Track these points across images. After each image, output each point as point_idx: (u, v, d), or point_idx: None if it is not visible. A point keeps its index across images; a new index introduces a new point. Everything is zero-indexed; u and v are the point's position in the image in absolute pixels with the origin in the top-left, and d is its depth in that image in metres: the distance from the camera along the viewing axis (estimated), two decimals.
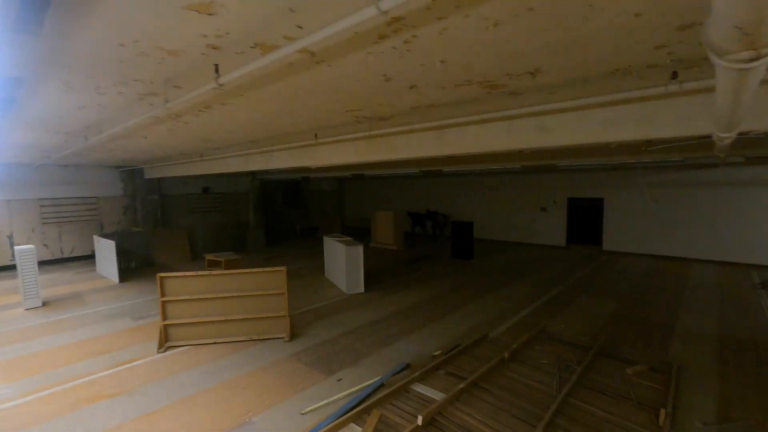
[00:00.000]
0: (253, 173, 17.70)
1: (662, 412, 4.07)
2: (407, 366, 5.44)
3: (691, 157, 7.18)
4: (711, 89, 2.78)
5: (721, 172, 12.04)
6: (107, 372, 5.39)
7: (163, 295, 6.16)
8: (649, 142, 6.42)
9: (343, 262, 9.30)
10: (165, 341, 6.23)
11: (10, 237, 12.27)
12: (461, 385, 4.54)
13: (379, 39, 2.38)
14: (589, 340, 6.20)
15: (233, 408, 4.44)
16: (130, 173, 14.60)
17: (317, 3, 1.89)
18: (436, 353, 5.81)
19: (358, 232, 21.05)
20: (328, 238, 10.75)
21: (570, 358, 5.49)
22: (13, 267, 11.91)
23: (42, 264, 12.50)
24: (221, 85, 2.53)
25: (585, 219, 15.70)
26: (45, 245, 12.90)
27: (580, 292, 9.08)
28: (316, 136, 6.29)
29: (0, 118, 4.74)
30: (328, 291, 9.48)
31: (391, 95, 3.88)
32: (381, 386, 4.86)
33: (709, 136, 3.71)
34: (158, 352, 6.02)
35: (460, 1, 1.90)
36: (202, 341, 6.31)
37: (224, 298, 6.37)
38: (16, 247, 8.28)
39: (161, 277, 6.14)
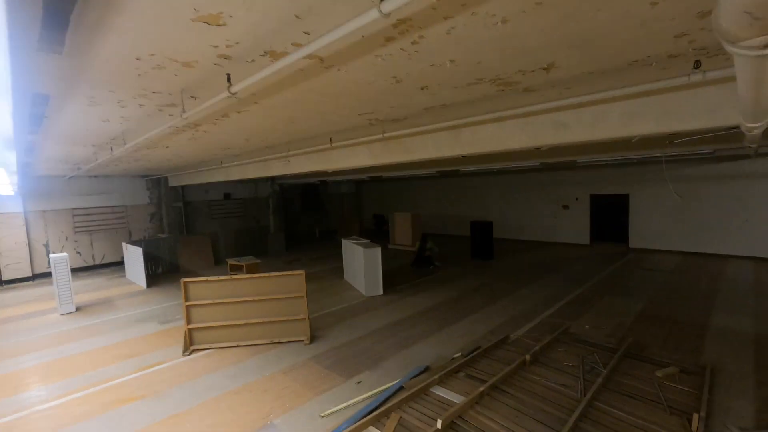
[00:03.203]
0: (272, 178, 18.02)
1: (695, 416, 3.88)
2: (426, 368, 5.40)
3: (720, 148, 6.86)
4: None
5: (754, 164, 11.46)
6: (136, 374, 5.57)
7: (187, 299, 6.34)
8: (673, 135, 6.17)
9: (361, 264, 9.33)
10: (190, 345, 6.39)
11: (46, 245, 12.89)
12: (482, 388, 4.46)
13: (387, 41, 2.38)
14: (615, 341, 5.99)
15: (255, 410, 4.51)
16: (156, 182, 15.11)
17: (321, 9, 1.91)
18: (455, 356, 5.74)
19: (376, 234, 21.08)
20: (347, 240, 10.81)
21: (595, 360, 5.32)
22: (49, 274, 12.49)
23: (75, 271, 13.07)
24: (234, 93, 2.58)
25: (609, 216, 15.22)
26: (78, 253, 13.49)
27: (605, 292, 8.80)
28: (330, 140, 6.34)
29: (32, 133, 4.99)
30: (347, 293, 9.53)
31: (403, 97, 3.87)
32: (400, 389, 4.84)
33: (737, 127, 3.53)
34: (183, 355, 6.19)
35: None
36: (224, 344, 6.44)
37: (245, 302, 6.49)
38: (51, 255, 8.68)
39: (185, 282, 6.31)
